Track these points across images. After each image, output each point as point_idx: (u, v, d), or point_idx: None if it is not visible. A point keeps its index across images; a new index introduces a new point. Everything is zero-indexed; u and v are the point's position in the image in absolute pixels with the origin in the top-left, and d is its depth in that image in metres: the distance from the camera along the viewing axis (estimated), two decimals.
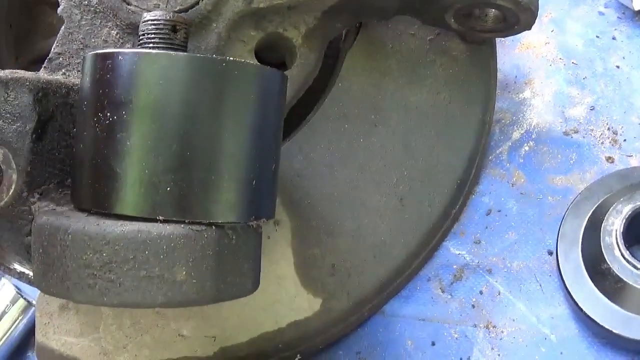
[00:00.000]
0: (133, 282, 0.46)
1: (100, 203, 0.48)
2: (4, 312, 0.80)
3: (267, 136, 0.50)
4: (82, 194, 0.50)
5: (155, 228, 0.46)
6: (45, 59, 0.62)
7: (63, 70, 0.61)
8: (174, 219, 0.47)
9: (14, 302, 0.81)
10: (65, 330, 0.62)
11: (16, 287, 0.82)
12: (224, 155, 0.48)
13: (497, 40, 0.80)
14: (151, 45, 0.51)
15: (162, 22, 0.51)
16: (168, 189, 0.46)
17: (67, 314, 0.62)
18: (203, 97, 0.47)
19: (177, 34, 0.52)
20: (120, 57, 0.47)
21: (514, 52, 0.86)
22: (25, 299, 0.81)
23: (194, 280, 0.46)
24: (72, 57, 0.61)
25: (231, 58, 0.48)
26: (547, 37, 0.87)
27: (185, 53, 0.49)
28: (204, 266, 0.47)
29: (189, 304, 0.47)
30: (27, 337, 0.81)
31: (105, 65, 0.48)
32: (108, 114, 0.47)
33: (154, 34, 0.51)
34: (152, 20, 0.51)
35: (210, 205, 0.48)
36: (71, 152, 0.55)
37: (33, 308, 0.81)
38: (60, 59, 0.61)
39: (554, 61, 0.85)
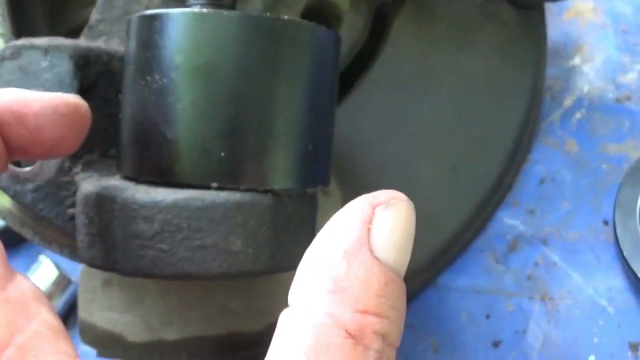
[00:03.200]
0: (186, 252, 0.44)
1: (149, 171, 0.46)
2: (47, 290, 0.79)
3: (323, 99, 0.48)
4: (130, 162, 0.47)
5: (209, 195, 0.44)
6: (81, 29, 0.59)
7: (104, 38, 0.58)
8: (228, 186, 0.44)
9: (53, 278, 0.79)
10: (109, 306, 0.60)
11: (55, 263, 0.80)
12: (279, 118, 0.45)
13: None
14: (199, 5, 0.49)
15: None
16: (222, 154, 0.44)
17: (111, 289, 0.60)
18: (257, 57, 0.44)
19: None
20: (168, 18, 0.45)
21: (562, 19, 0.83)
22: (64, 275, 0.80)
23: (250, 250, 0.44)
24: (113, 24, 0.58)
25: (285, 17, 0.45)
26: (595, 3, 0.84)
27: (237, 11, 0.47)
28: (260, 235, 0.44)
29: (244, 275, 0.45)
30: (66, 315, 0.80)
31: (152, 26, 0.46)
32: (157, 77, 0.45)
33: None
34: None
35: (266, 171, 0.45)
36: (114, 121, 0.53)
37: (72, 285, 0.80)
38: (101, 26, 0.59)
39: (602, 28, 0.82)
